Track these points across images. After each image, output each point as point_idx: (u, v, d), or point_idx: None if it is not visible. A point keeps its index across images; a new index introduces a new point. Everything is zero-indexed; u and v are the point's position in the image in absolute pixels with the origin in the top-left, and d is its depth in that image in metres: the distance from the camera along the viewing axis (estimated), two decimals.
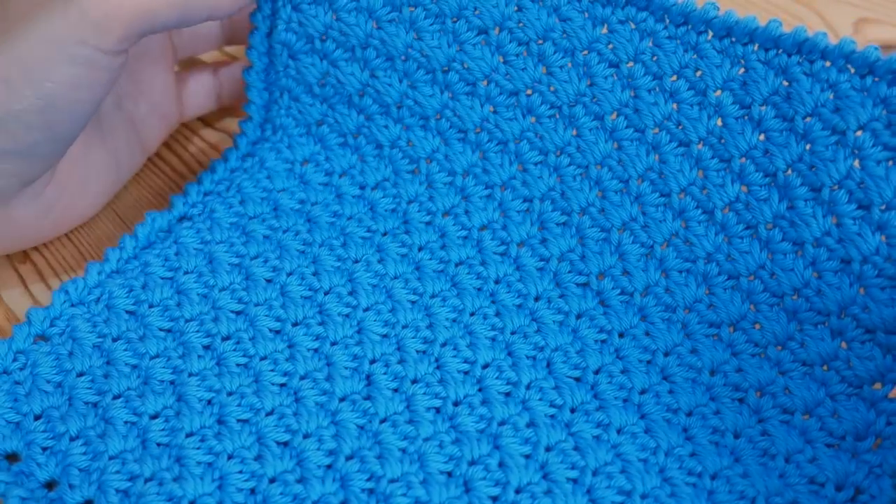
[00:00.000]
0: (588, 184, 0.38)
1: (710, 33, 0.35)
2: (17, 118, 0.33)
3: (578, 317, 0.37)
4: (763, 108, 0.34)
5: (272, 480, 0.32)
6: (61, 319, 0.36)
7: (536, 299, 0.38)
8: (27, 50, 0.33)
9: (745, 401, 0.34)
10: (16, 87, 0.33)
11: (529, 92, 0.38)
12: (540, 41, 0.37)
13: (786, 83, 0.34)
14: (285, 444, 0.33)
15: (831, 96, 0.33)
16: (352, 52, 0.40)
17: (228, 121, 0.47)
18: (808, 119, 0.34)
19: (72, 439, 0.33)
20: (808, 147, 0.34)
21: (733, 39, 0.35)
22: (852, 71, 0.33)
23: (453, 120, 0.40)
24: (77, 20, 0.33)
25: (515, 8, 0.37)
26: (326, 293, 0.38)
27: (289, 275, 0.38)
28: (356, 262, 0.39)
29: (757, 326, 0.35)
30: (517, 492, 0.32)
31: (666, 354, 0.36)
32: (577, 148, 0.38)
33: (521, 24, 0.37)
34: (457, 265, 0.39)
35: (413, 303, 0.37)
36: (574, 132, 0.38)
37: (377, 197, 0.41)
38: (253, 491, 0.32)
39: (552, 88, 0.38)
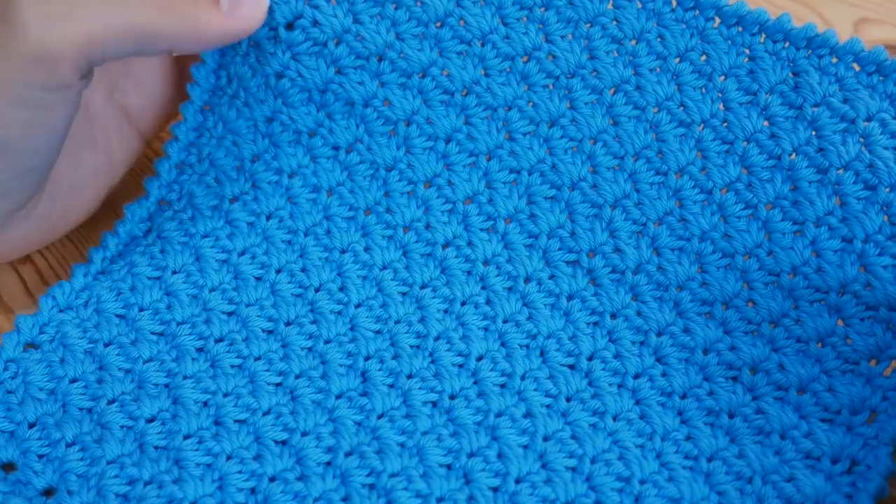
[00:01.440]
0: (580, 158, 0.37)
1: (718, 20, 0.35)
2: None
3: (570, 298, 0.37)
4: (769, 95, 0.35)
5: (272, 479, 0.32)
6: (50, 326, 0.36)
7: (526, 281, 0.37)
8: None
9: (738, 379, 0.35)
10: None
11: (526, 59, 0.37)
12: (542, 8, 0.37)
13: (793, 74, 0.35)
14: (283, 442, 0.33)
15: (839, 89, 0.34)
16: None
17: None
18: (816, 108, 0.34)
19: (68, 445, 0.33)
20: (814, 133, 0.34)
21: (741, 29, 0.35)
22: (858, 69, 0.34)
23: (439, 79, 0.38)
24: (18, 61, 0.30)
25: None
26: (317, 290, 0.37)
27: (278, 272, 0.38)
28: (343, 252, 0.38)
29: (750, 304, 0.35)
30: (517, 482, 0.32)
31: (658, 334, 0.36)
32: (572, 120, 0.37)
33: None
34: (444, 247, 0.38)
35: (404, 294, 0.37)
36: (569, 104, 0.37)
37: (353, 161, 0.39)
38: (253, 490, 0.32)
39: (551, 57, 0.37)
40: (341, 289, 0.38)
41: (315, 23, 0.37)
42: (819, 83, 0.34)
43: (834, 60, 0.34)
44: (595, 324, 0.36)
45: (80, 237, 0.41)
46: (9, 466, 0.33)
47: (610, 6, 0.37)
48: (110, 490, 0.32)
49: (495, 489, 0.32)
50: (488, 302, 0.37)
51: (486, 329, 0.36)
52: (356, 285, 0.38)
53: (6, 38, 0.31)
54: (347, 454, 0.33)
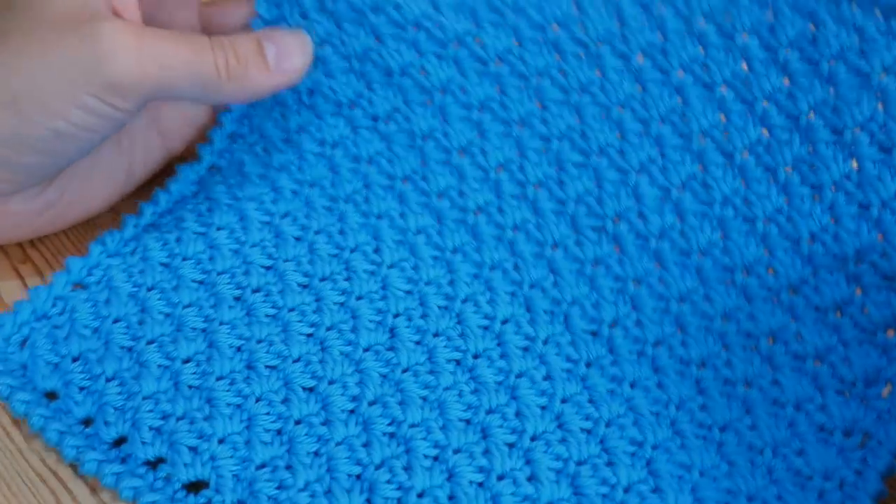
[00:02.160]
0: (608, 124, 0.38)
1: None
2: (22, 141, 0.33)
3: (595, 264, 0.38)
4: (788, 51, 0.35)
5: (297, 422, 0.34)
6: (98, 269, 0.38)
7: (554, 247, 0.38)
8: (43, 82, 0.32)
9: (756, 348, 0.35)
10: (28, 115, 0.32)
11: (556, 27, 0.38)
12: None
13: (812, 27, 0.35)
14: (311, 389, 0.34)
15: (857, 40, 0.34)
16: None
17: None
18: (833, 62, 0.34)
19: (108, 380, 0.34)
20: (832, 90, 0.34)
21: None
22: (878, 14, 0.33)
23: (473, 48, 0.39)
24: (94, 73, 0.32)
25: None
26: (352, 251, 0.39)
27: (317, 233, 0.39)
28: (379, 217, 0.40)
29: (770, 271, 0.36)
30: (532, 439, 0.33)
31: (680, 301, 0.36)
32: (601, 87, 0.38)
33: None
34: (475, 213, 0.39)
35: (435, 258, 0.39)
36: (598, 72, 0.38)
37: (391, 130, 0.41)
38: (279, 432, 0.33)
39: (581, 26, 0.38)
40: (376, 250, 0.39)
41: None
42: (836, 35, 0.34)
43: (854, 9, 0.34)
44: (619, 290, 0.37)
45: (80, 237, 0.42)
46: (51, 395, 0.35)
47: None
48: (144, 423, 0.33)
49: (511, 445, 0.33)
50: (516, 268, 0.38)
51: (512, 294, 0.37)
52: (390, 248, 0.39)
53: (89, 54, 0.32)
54: (371, 403, 0.34)
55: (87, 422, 0.34)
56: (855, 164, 0.34)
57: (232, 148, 0.42)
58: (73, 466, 0.34)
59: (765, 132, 0.36)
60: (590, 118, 0.38)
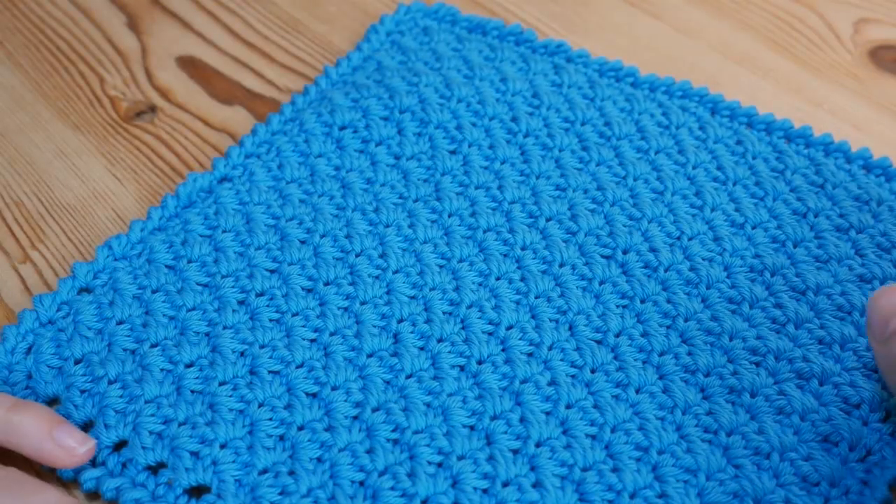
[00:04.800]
0: (625, 189, 0.42)
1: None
2: None
3: (602, 283, 0.38)
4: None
5: (300, 428, 0.33)
6: (104, 272, 0.38)
7: (561, 266, 0.39)
8: None
9: (762, 364, 0.35)
10: None
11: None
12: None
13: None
14: (314, 395, 0.34)
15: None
16: None
17: (228, 120, 0.47)
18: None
19: (110, 382, 0.34)
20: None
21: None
22: None
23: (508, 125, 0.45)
24: None
25: None
26: (358, 255, 0.39)
27: (322, 237, 0.39)
28: (387, 226, 0.40)
29: (777, 307, 0.37)
30: (537, 445, 0.33)
31: (686, 320, 0.37)
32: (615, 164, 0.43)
33: None
34: (485, 231, 0.40)
35: (441, 267, 0.39)
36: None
37: (412, 167, 0.42)
38: (282, 437, 0.33)
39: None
40: (381, 256, 0.39)
41: None
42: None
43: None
44: (625, 307, 0.37)
45: (79, 238, 0.42)
46: (55, 401, 0.35)
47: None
48: (145, 427, 0.33)
49: (515, 451, 0.33)
50: (522, 279, 0.38)
51: (517, 303, 0.37)
52: (396, 254, 0.39)
53: None
54: (374, 409, 0.34)
55: (87, 426, 0.34)
56: None
57: (246, 163, 0.42)
58: None
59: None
60: (606, 180, 0.42)
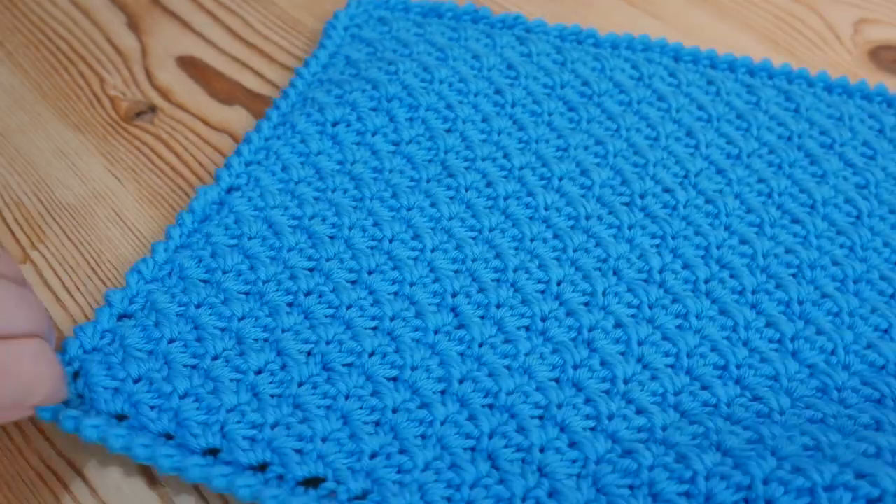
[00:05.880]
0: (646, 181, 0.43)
1: None
2: None
3: (630, 228, 0.40)
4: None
5: (395, 411, 0.33)
6: (139, 297, 0.36)
7: (587, 218, 0.40)
8: None
9: (797, 275, 0.39)
10: None
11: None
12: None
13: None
14: (394, 379, 0.34)
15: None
16: None
17: (228, 120, 0.47)
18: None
19: (181, 397, 0.33)
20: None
21: None
22: None
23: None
24: None
25: None
26: (391, 241, 0.39)
27: (350, 229, 0.39)
28: (409, 209, 0.40)
29: (797, 223, 0.41)
30: (625, 382, 0.34)
31: (718, 248, 0.40)
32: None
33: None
34: (505, 199, 0.41)
35: (474, 238, 0.39)
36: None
37: (413, 150, 0.43)
38: (377, 423, 0.33)
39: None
40: (414, 238, 0.39)
41: None
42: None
43: None
44: (657, 245, 0.40)
45: (80, 238, 0.41)
46: (121, 417, 0.32)
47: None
48: (237, 433, 0.32)
49: (607, 392, 0.34)
50: (556, 236, 0.40)
51: (558, 259, 0.39)
52: (428, 233, 0.39)
53: None
54: (460, 381, 0.34)
55: (166, 437, 0.32)
56: None
57: (248, 170, 0.42)
58: (73, 465, 0.33)
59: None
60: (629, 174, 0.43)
